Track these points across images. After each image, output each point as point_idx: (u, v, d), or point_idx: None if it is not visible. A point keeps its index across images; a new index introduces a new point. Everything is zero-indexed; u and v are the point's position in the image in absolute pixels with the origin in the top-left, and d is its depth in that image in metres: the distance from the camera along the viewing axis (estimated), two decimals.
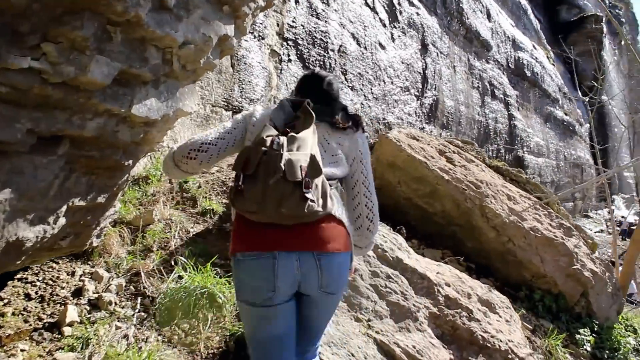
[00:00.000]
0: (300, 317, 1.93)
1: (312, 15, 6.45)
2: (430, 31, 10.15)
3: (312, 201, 1.66)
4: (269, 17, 5.65)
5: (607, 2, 37.03)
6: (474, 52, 12.85)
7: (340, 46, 6.94)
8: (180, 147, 1.92)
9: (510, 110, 14.46)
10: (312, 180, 1.68)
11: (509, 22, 16.63)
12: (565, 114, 21.34)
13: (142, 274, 2.89)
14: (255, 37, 5.35)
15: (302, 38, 6.27)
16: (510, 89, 14.85)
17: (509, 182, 5.85)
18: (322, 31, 6.62)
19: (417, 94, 9.27)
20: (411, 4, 9.48)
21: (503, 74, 14.71)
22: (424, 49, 9.81)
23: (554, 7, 30.03)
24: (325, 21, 6.72)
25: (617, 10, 39.31)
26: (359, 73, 7.43)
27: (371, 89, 7.71)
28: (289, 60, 6.06)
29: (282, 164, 1.63)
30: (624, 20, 41.60)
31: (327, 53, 6.70)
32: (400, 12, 8.95)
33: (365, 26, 7.70)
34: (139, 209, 3.47)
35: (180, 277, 2.87)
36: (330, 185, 1.84)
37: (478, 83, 12.61)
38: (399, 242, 3.67)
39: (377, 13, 8.14)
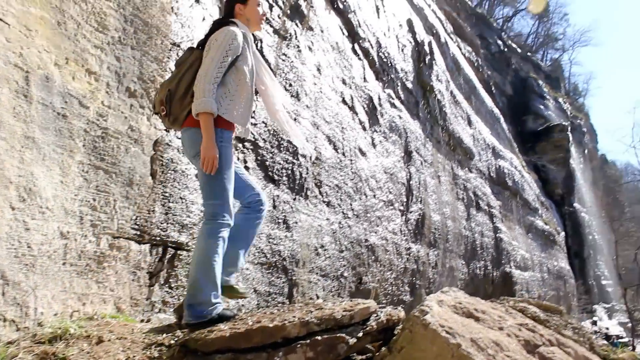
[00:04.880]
0: None
1: None
2: (414, 136, 8.93)
3: None
4: None
5: (568, 113, 38.01)
6: (457, 160, 11.75)
7: (315, 151, 5.50)
8: None
9: (495, 223, 13.39)
10: None
11: (486, 130, 16.00)
12: (545, 224, 20.70)
13: None
14: None
15: (263, 139, 4.77)
16: (493, 199, 13.89)
17: None
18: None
19: (401, 208, 7.82)
20: (393, 105, 8.28)
21: (486, 183, 13.72)
22: (408, 156, 8.51)
23: (520, 117, 30.43)
24: (295, 119, 5.28)
25: (578, 121, 40.32)
26: (337, 185, 5.93)
27: (351, 205, 6.19)
28: (246, 168, 4.51)
29: None
30: (585, 130, 42.69)
31: (297, 159, 5.22)
32: (382, 114, 7.69)
33: (343, 128, 6.32)
34: None
35: None
36: None
37: (463, 194, 11.41)
38: None
39: (356, 113, 6.82)
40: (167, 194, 3.45)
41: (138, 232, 3.16)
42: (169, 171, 3.50)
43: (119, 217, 3.03)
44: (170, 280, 3.45)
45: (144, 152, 3.30)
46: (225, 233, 2.76)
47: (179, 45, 3.82)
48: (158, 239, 3.34)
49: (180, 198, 3.59)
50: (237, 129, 3.12)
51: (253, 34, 3.18)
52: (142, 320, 3.08)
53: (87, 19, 3.00)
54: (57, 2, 2.81)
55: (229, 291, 2.93)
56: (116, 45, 3.19)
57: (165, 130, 3.53)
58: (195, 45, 3.00)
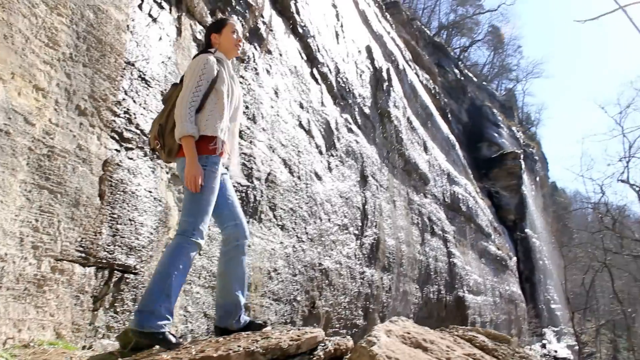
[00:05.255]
0: None
1: None
2: (370, 161, 9.01)
3: None
4: None
5: (521, 141, 39.17)
6: (413, 185, 11.89)
7: (269, 174, 5.48)
8: None
9: (449, 247, 13.55)
10: None
11: (442, 156, 16.27)
12: (498, 249, 21.08)
13: None
14: (145, 153, 3.76)
15: None
16: (447, 224, 14.07)
17: None
18: (245, 154, 5.16)
19: (356, 232, 7.84)
20: (350, 130, 8.35)
21: (440, 208, 13.90)
22: (364, 181, 8.56)
23: (475, 144, 31.08)
24: (250, 141, 5.26)
25: (530, 149, 41.54)
26: (292, 208, 5.91)
27: (305, 228, 6.17)
28: None
29: None
30: (536, 158, 44.00)
31: (252, 182, 5.19)
32: (339, 139, 7.74)
33: (299, 151, 6.33)
34: None
35: None
36: None
37: (418, 219, 11.53)
38: None
39: (313, 137, 6.84)
40: (115, 216, 3.36)
41: (83, 255, 3.06)
42: (118, 192, 3.42)
43: (62, 239, 2.93)
44: (116, 304, 3.34)
45: (93, 172, 3.22)
46: (191, 251, 2.81)
47: (133, 64, 3.76)
48: (104, 261, 3.24)
49: (130, 220, 3.50)
50: (226, 156, 3.20)
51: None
52: (83, 347, 2.97)
53: (37, 33, 2.93)
54: (5, 15, 2.73)
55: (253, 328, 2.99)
56: (67, 61, 3.12)
57: (154, 156, 3.76)
58: (178, 81, 3.21)
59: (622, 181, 19.29)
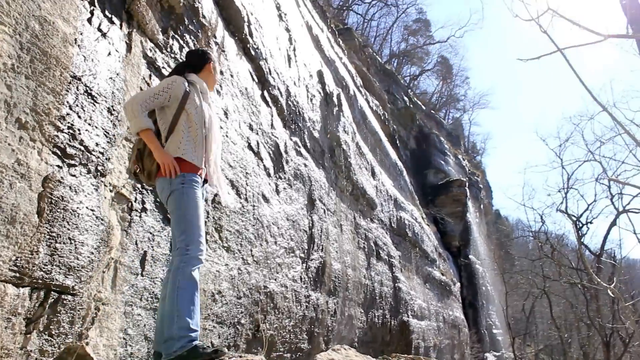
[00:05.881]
0: None
1: None
2: (318, 185, 9.06)
3: None
4: (117, 147, 4.03)
5: (467, 169, 40.26)
6: (360, 210, 12.01)
7: (216, 195, 5.42)
8: None
9: (394, 272, 13.70)
10: None
11: (390, 182, 16.52)
12: (442, 274, 21.45)
13: None
14: (88, 170, 3.67)
15: None
16: (393, 249, 14.24)
17: None
18: None
19: (302, 255, 7.83)
20: (299, 153, 8.39)
21: (387, 233, 14.07)
22: (311, 204, 8.60)
23: (422, 171, 31.69)
24: None
25: (475, 177, 42.73)
26: (238, 230, 5.86)
27: (251, 251, 6.12)
28: (144, 210, 4.37)
29: None
30: (481, 186, 45.28)
31: None
32: (287, 162, 7.76)
33: (247, 173, 6.30)
34: None
35: None
36: None
37: (364, 243, 11.62)
38: None
39: (261, 159, 6.83)
40: (54, 234, 3.25)
41: (17, 274, 2.94)
42: (59, 210, 3.31)
43: None
44: (51, 327, 3.21)
45: (31, 189, 3.11)
46: (189, 267, 3.02)
47: (79, 79, 3.68)
48: (40, 281, 3.12)
49: (69, 238, 3.40)
50: (203, 172, 3.32)
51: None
52: None
53: None
54: None
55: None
56: (8, 72, 3.02)
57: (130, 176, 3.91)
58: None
59: (561, 211, 20.06)
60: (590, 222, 20.87)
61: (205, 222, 3.16)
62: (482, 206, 42.92)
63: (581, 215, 21.02)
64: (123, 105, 3.35)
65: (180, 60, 5.22)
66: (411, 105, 33.97)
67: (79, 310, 3.40)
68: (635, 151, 13.94)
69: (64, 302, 3.31)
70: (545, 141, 40.04)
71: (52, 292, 3.23)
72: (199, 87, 3.42)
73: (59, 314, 3.27)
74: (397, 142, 24.21)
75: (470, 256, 30.96)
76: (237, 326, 5.71)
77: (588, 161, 18.17)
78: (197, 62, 3.65)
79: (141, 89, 4.47)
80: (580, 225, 20.73)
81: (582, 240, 19.86)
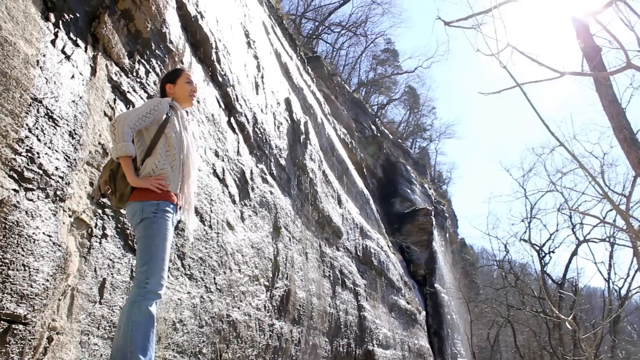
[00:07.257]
0: None
1: None
2: (284, 213, 9.03)
3: None
4: (78, 171, 3.95)
5: (433, 198, 40.75)
6: (326, 238, 11.99)
7: (179, 222, 5.34)
8: None
9: (359, 301, 13.66)
10: None
11: (356, 210, 16.57)
12: (408, 303, 21.47)
13: None
14: (47, 195, 3.57)
15: None
16: (359, 278, 14.21)
17: None
18: None
19: (267, 284, 7.75)
20: (265, 180, 8.36)
21: (352, 262, 14.05)
22: (276, 232, 8.55)
23: (389, 199, 31.93)
24: None
25: (441, 206, 43.25)
26: (201, 258, 5.77)
27: (214, 278, 6.02)
28: (104, 236, 4.27)
29: None
30: (447, 215, 45.83)
31: None
32: (253, 189, 7.72)
33: (212, 200, 6.24)
34: None
35: None
36: None
37: (329, 272, 11.57)
38: None
39: (227, 186, 6.78)
40: (7, 260, 3.14)
41: None
42: (13, 235, 3.21)
43: None
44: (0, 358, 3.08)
45: None
46: (146, 301, 2.97)
47: (40, 101, 3.61)
48: None
49: (23, 265, 3.28)
50: (178, 197, 3.33)
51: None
52: None
53: None
54: None
55: None
56: None
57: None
58: None
59: (524, 240, 20.45)
60: (553, 252, 21.35)
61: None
62: (447, 235, 43.38)
63: (544, 244, 21.47)
64: (111, 122, 3.34)
65: (146, 85, 5.20)
66: (378, 134, 34.37)
67: (30, 341, 3.27)
68: (594, 183, 14.37)
69: (14, 332, 3.18)
70: (509, 171, 40.96)
71: (1, 322, 3.10)
72: (179, 113, 3.44)
73: (8, 345, 3.13)
74: (364, 170, 24.39)
75: (435, 285, 31.11)
76: (199, 356, 5.58)
77: (550, 191, 18.68)
78: (172, 75, 3.73)
79: (105, 113, 4.41)
80: (543, 254, 21.14)
81: (544, 269, 20.24)
